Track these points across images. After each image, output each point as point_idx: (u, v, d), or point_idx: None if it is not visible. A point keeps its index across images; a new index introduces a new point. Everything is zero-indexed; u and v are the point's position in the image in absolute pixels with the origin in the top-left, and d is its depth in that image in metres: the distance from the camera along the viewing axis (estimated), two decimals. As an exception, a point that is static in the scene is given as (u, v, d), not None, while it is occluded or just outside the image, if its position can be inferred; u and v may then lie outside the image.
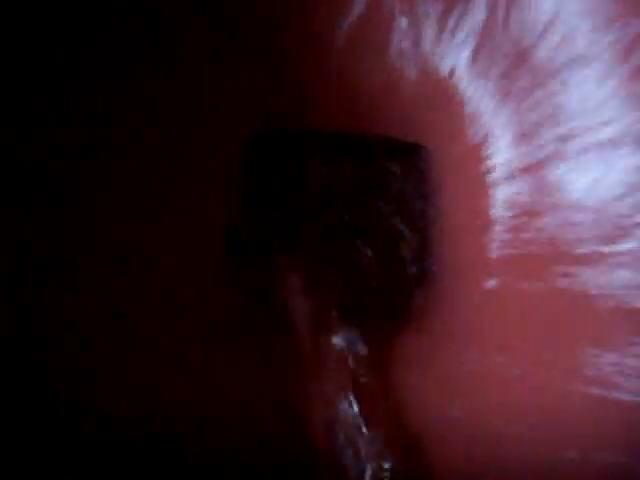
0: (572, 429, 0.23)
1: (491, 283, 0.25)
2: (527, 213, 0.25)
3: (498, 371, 0.24)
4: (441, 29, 0.25)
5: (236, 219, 0.27)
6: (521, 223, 0.25)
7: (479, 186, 0.26)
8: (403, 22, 0.26)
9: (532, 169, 0.25)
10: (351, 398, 0.24)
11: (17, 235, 0.24)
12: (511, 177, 0.26)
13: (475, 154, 0.26)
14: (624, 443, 0.22)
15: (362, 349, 0.25)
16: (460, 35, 0.25)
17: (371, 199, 0.26)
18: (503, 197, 0.26)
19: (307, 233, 0.26)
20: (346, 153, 0.27)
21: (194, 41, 0.28)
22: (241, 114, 0.28)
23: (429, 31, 0.25)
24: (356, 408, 0.24)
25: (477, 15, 0.25)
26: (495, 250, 0.25)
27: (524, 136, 0.25)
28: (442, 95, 0.26)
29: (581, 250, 0.24)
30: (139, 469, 0.23)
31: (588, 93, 0.24)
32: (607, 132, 0.23)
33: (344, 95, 0.27)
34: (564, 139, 0.24)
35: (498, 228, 0.26)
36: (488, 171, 0.26)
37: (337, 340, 0.25)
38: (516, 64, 0.25)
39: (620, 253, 0.23)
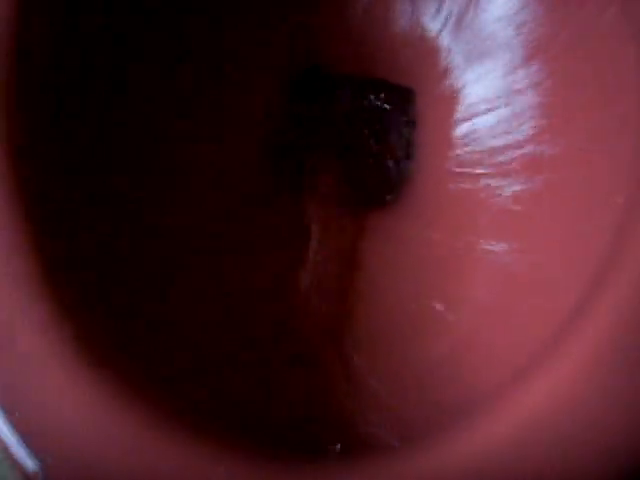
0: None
1: (450, 186, 0.36)
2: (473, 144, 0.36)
3: (448, 243, 0.35)
4: (435, 5, 0.36)
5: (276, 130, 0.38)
6: (470, 150, 0.36)
7: (448, 121, 0.37)
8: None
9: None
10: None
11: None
12: (471, 121, 0.37)
13: (450, 98, 0.37)
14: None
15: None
16: (447, 7, 0.36)
17: (375, 121, 0.38)
18: (460, 132, 0.37)
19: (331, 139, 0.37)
20: (361, 89, 0.38)
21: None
22: (276, 59, 0.39)
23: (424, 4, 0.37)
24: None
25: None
26: (454, 166, 0.37)
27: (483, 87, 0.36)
28: (429, 50, 0.37)
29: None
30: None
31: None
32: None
33: (357, 50, 0.38)
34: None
35: (457, 151, 0.37)
36: (456, 111, 0.37)
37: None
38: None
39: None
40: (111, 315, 0.28)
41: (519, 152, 0.34)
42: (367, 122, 0.37)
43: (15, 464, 0.23)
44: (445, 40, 0.37)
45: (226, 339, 0.34)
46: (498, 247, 0.33)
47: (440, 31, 0.37)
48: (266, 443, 0.26)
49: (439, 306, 0.33)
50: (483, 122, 0.35)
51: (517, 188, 0.33)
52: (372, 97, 0.38)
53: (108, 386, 0.24)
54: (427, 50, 0.37)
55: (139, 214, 0.33)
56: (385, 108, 0.37)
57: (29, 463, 0.23)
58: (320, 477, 0.24)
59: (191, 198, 0.35)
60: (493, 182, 0.34)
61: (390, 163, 0.37)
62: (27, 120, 0.27)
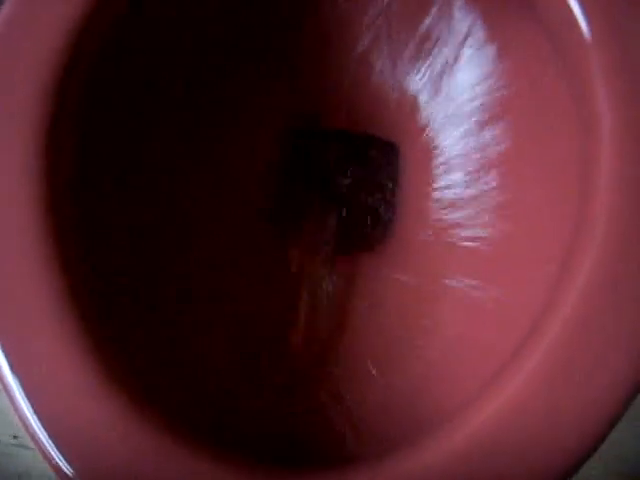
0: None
1: (428, 233, 0.41)
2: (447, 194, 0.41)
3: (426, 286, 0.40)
4: (411, 66, 0.41)
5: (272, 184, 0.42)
6: (444, 200, 0.41)
7: (427, 174, 0.42)
8: (388, 62, 0.42)
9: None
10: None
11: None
12: (446, 174, 0.42)
13: (427, 152, 0.42)
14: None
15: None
16: (424, 72, 0.41)
17: (363, 173, 0.42)
18: (437, 183, 0.41)
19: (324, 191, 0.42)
20: (349, 143, 0.43)
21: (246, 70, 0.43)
22: (274, 114, 0.43)
23: (405, 65, 0.41)
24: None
25: (438, 63, 0.41)
26: (430, 213, 0.41)
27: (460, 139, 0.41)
28: (410, 108, 0.42)
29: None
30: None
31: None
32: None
33: (347, 105, 0.43)
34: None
35: (433, 201, 0.41)
36: (435, 166, 0.42)
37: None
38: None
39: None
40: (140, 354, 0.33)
41: (485, 202, 0.38)
42: (356, 175, 0.42)
43: (53, 467, 0.27)
44: (423, 100, 0.42)
45: (229, 371, 0.38)
46: (463, 284, 0.37)
47: (419, 92, 0.42)
48: (266, 459, 0.30)
49: (414, 336, 0.37)
50: (455, 175, 0.40)
51: (482, 234, 0.37)
52: (361, 152, 0.42)
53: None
54: (408, 108, 0.42)
55: (153, 260, 0.38)
56: (372, 162, 0.42)
57: (66, 467, 0.27)
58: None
59: (191, 248, 0.40)
60: (462, 229, 0.38)
61: (377, 212, 0.41)
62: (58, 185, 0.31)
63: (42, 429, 0.28)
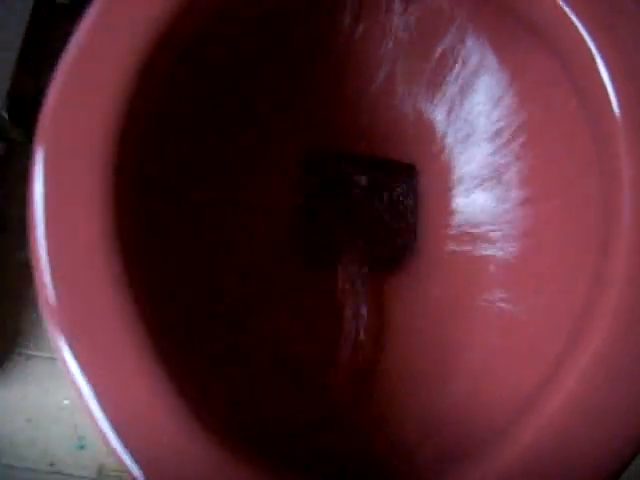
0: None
1: (452, 248, 0.43)
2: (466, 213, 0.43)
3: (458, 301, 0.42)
4: (429, 95, 0.43)
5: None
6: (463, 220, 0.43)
7: (444, 194, 0.44)
8: (405, 89, 0.44)
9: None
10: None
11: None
12: (465, 193, 0.44)
13: (446, 173, 0.44)
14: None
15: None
16: (440, 97, 0.43)
17: (387, 197, 0.44)
18: (457, 203, 0.44)
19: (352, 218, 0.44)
20: (372, 168, 0.45)
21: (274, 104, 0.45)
22: (299, 141, 0.45)
23: (421, 92, 0.43)
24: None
25: (451, 89, 0.43)
26: (450, 229, 0.43)
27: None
28: (427, 131, 0.44)
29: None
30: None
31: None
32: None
33: (368, 133, 0.45)
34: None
35: (453, 217, 0.43)
36: (451, 185, 0.44)
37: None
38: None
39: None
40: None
41: (508, 218, 0.40)
42: (381, 198, 0.44)
43: (125, 469, 0.28)
44: (440, 123, 0.44)
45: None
46: (495, 296, 0.39)
47: (435, 116, 0.44)
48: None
49: (452, 351, 0.39)
50: (474, 194, 0.42)
51: (507, 248, 0.40)
52: (384, 177, 0.44)
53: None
54: (425, 132, 0.44)
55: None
56: (394, 184, 0.44)
57: (135, 469, 0.28)
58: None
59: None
60: (487, 244, 0.41)
61: (402, 232, 0.43)
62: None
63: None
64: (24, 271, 0.54)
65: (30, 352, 0.54)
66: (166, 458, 0.28)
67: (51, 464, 0.54)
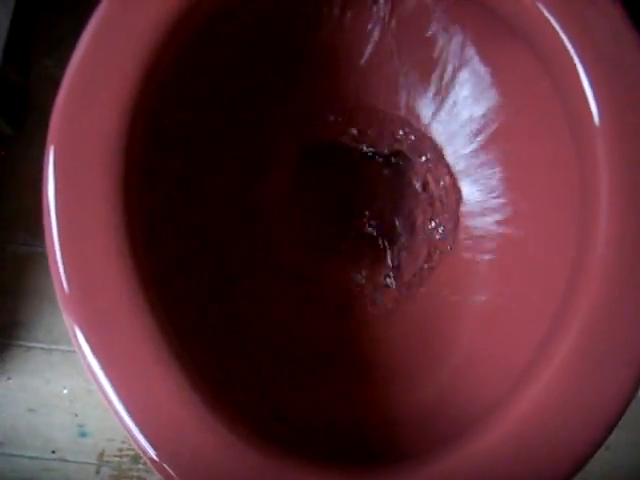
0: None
1: (466, 255, 0.45)
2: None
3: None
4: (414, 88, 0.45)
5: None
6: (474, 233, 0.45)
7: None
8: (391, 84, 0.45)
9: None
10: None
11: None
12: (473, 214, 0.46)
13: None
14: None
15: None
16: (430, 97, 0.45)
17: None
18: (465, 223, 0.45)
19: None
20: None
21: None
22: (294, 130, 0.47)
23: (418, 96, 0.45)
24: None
25: (437, 83, 0.45)
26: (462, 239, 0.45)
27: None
28: (415, 125, 0.46)
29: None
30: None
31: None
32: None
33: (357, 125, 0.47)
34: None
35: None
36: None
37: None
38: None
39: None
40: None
41: (487, 214, 0.43)
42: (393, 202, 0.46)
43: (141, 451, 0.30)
44: (427, 117, 0.45)
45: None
46: (482, 297, 0.41)
47: (422, 110, 0.45)
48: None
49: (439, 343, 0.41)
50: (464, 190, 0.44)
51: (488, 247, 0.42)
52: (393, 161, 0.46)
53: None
54: (413, 125, 0.46)
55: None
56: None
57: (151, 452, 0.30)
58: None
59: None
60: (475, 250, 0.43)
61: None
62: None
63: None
64: (22, 264, 0.56)
65: (29, 343, 0.56)
66: (181, 441, 0.30)
67: (53, 451, 0.55)
